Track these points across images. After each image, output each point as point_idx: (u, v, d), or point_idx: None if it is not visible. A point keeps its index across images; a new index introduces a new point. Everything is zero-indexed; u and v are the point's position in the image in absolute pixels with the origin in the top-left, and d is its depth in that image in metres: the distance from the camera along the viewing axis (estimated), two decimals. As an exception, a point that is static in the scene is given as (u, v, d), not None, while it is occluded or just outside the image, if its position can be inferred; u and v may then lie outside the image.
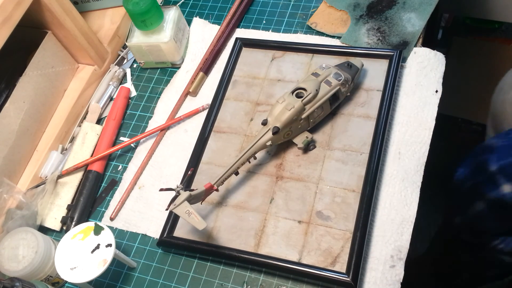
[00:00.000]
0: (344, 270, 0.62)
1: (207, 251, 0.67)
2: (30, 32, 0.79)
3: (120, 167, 0.81)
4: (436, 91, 0.74)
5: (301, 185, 0.70)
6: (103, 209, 0.77)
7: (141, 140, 0.82)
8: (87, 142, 0.81)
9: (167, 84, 0.87)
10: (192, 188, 0.68)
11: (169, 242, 0.69)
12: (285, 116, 0.68)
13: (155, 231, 0.72)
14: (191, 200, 0.63)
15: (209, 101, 0.81)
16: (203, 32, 0.90)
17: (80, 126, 0.85)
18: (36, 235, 0.66)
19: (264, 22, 0.90)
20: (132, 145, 0.81)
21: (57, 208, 0.76)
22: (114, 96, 0.87)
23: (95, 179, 0.77)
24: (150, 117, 0.84)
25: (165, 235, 0.69)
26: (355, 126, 0.73)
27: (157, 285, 0.68)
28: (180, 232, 0.70)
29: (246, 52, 0.85)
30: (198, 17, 0.93)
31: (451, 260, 1.02)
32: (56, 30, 0.80)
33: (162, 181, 0.76)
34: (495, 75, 0.98)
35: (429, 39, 1.00)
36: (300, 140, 0.72)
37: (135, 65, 0.92)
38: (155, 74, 0.89)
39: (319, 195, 0.69)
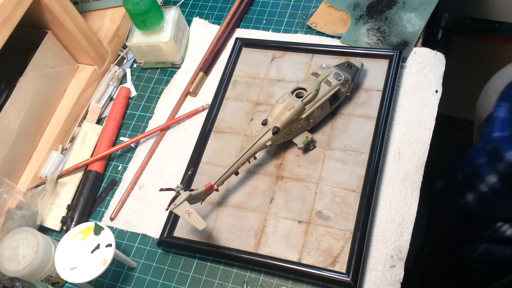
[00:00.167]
0: (344, 270, 0.62)
1: (207, 251, 0.67)
2: (30, 32, 0.79)
3: (120, 167, 0.81)
4: (436, 91, 0.74)
5: (301, 185, 0.70)
6: (103, 209, 0.77)
7: (141, 140, 0.82)
8: (87, 142, 0.81)
9: (167, 84, 0.87)
10: (192, 188, 0.68)
11: (169, 242, 0.69)
12: (285, 116, 0.68)
13: (155, 231, 0.72)
14: (191, 200, 0.63)
15: (209, 101, 0.81)
16: (203, 32, 0.90)
17: (80, 126, 0.85)
18: (36, 235, 0.66)
19: (264, 22, 0.90)
20: (132, 145, 0.81)
21: (57, 208, 0.76)
22: (114, 96, 0.87)
23: (95, 179, 0.77)
24: (150, 117, 0.84)
25: (165, 235, 0.69)
26: (355, 126, 0.73)
27: (157, 285, 0.68)
28: (180, 232, 0.70)
29: (246, 52, 0.85)
30: (198, 17, 0.93)
31: (437, 270, 1.03)
32: (56, 30, 0.80)
33: (162, 181, 0.76)
34: (495, 75, 0.98)
35: (429, 39, 1.00)
36: (300, 140, 0.72)
37: (135, 65, 0.92)
38: (155, 74, 0.89)
39: (319, 195, 0.69)
